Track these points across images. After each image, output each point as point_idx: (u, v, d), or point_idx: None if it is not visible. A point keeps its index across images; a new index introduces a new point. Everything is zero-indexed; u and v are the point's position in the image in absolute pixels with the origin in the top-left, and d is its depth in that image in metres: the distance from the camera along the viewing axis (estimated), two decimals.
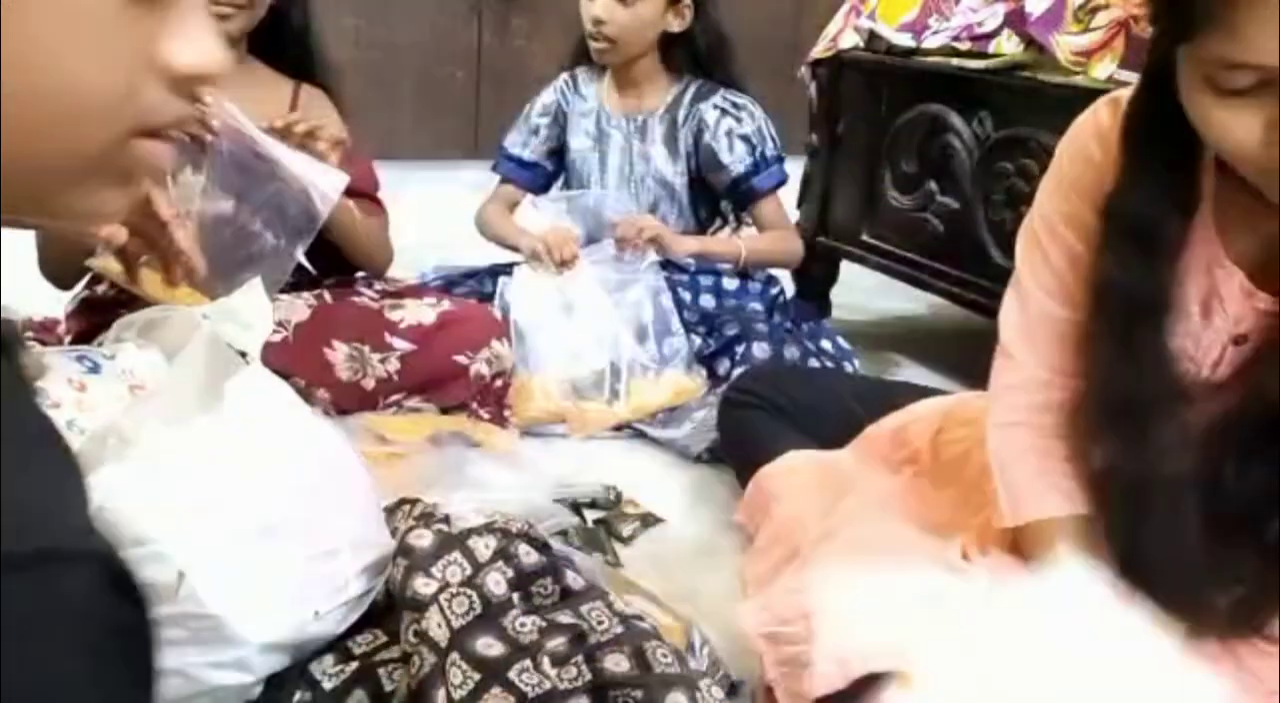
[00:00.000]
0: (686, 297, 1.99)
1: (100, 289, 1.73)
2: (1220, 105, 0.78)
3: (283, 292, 1.76)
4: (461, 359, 1.74)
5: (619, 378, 1.85)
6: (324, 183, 1.55)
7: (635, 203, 2.11)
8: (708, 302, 2.01)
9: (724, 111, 2.06)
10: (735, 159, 2.05)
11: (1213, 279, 0.94)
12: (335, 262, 1.81)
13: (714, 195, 2.16)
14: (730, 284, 2.06)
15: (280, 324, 1.62)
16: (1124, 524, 0.95)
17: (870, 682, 0.89)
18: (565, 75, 2.17)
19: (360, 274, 1.89)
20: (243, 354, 1.19)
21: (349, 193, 1.64)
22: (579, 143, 2.14)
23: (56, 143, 0.38)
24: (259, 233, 1.58)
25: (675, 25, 2.02)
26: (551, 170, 2.20)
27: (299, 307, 1.68)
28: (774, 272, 2.17)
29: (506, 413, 1.79)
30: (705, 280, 2.05)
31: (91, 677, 0.35)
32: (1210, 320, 0.95)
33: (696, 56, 2.07)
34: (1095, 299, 0.96)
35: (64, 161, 0.39)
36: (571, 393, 1.85)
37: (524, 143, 2.17)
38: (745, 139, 2.05)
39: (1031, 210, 1.05)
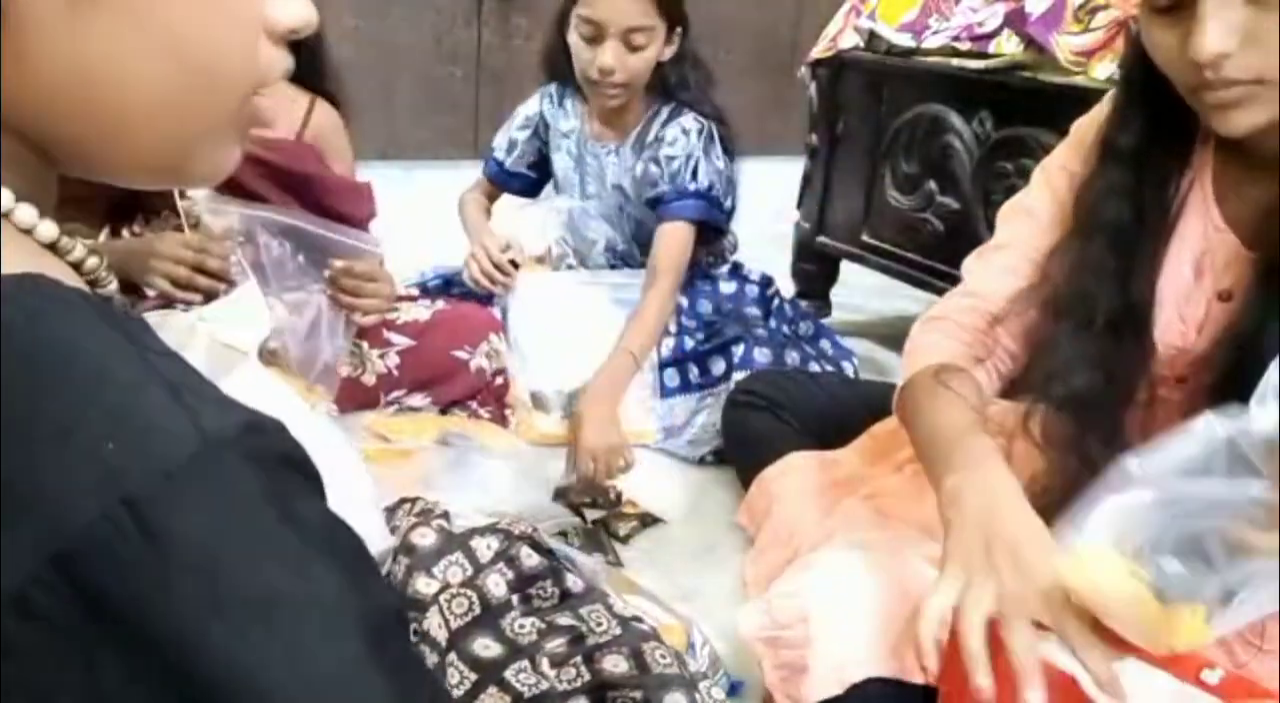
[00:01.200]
0: (684, 302, 1.97)
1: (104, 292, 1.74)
2: (1155, 23, 0.87)
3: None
4: (461, 354, 1.74)
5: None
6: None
7: (615, 226, 2.05)
8: (705, 307, 1.99)
9: (670, 133, 1.91)
10: (650, 180, 1.93)
11: (1207, 242, 0.98)
12: None
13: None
14: (727, 288, 2.04)
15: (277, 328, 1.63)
16: (1070, 438, 0.99)
17: (868, 687, 0.89)
18: (553, 86, 2.07)
19: None
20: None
21: (350, 222, 1.70)
22: (561, 161, 2.07)
23: (210, 108, 0.45)
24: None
25: (666, 54, 1.89)
26: (535, 178, 2.14)
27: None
28: (770, 272, 2.15)
29: (507, 412, 1.80)
30: (703, 286, 2.03)
31: (330, 514, 0.43)
32: (1201, 280, 0.99)
33: (669, 82, 1.93)
34: (1081, 214, 1.02)
35: (212, 123, 0.46)
36: (530, 399, 1.84)
37: (506, 150, 2.11)
38: (670, 160, 1.89)
39: None
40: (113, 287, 0.47)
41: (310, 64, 1.74)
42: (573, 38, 1.86)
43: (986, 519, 0.86)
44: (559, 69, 2.00)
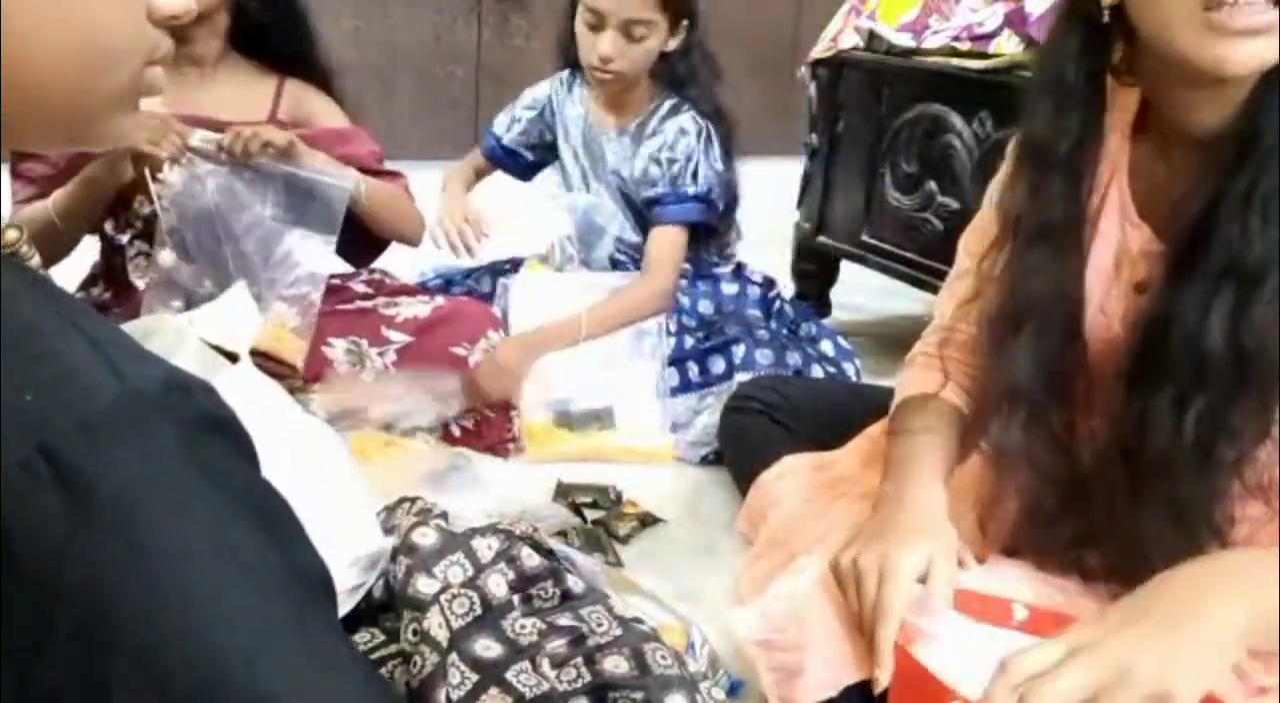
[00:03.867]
0: (685, 302, 1.97)
1: (95, 292, 1.73)
2: None
3: None
4: (459, 351, 1.74)
5: (608, 419, 1.81)
6: (334, 180, 1.63)
7: (621, 212, 2.06)
8: (705, 307, 1.99)
9: (669, 130, 1.93)
10: (649, 180, 1.94)
11: (1124, 236, 0.99)
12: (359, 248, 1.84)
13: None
14: (729, 289, 2.04)
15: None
16: (999, 430, 1.01)
17: (862, 689, 0.89)
18: (564, 73, 2.10)
19: (352, 271, 1.91)
20: (234, 357, 1.20)
21: (354, 164, 1.72)
22: (567, 149, 2.08)
23: (104, 78, 0.48)
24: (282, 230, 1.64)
25: (671, 44, 1.90)
26: (532, 161, 2.15)
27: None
28: (770, 272, 2.15)
29: (513, 414, 1.79)
30: (702, 286, 2.03)
31: (258, 478, 0.44)
32: (1120, 273, 1.00)
33: (676, 74, 1.96)
34: (1002, 216, 1.03)
35: (108, 92, 0.48)
36: (552, 416, 1.81)
37: (506, 127, 2.12)
38: (671, 162, 1.91)
39: None
40: (35, 260, 0.49)
41: (285, 55, 1.74)
42: (578, 25, 1.89)
43: (891, 514, 0.96)
44: (571, 56, 2.03)
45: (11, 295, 0.40)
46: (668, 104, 1.96)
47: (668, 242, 1.91)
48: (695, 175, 1.91)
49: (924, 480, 1.00)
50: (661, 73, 1.95)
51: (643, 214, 2.00)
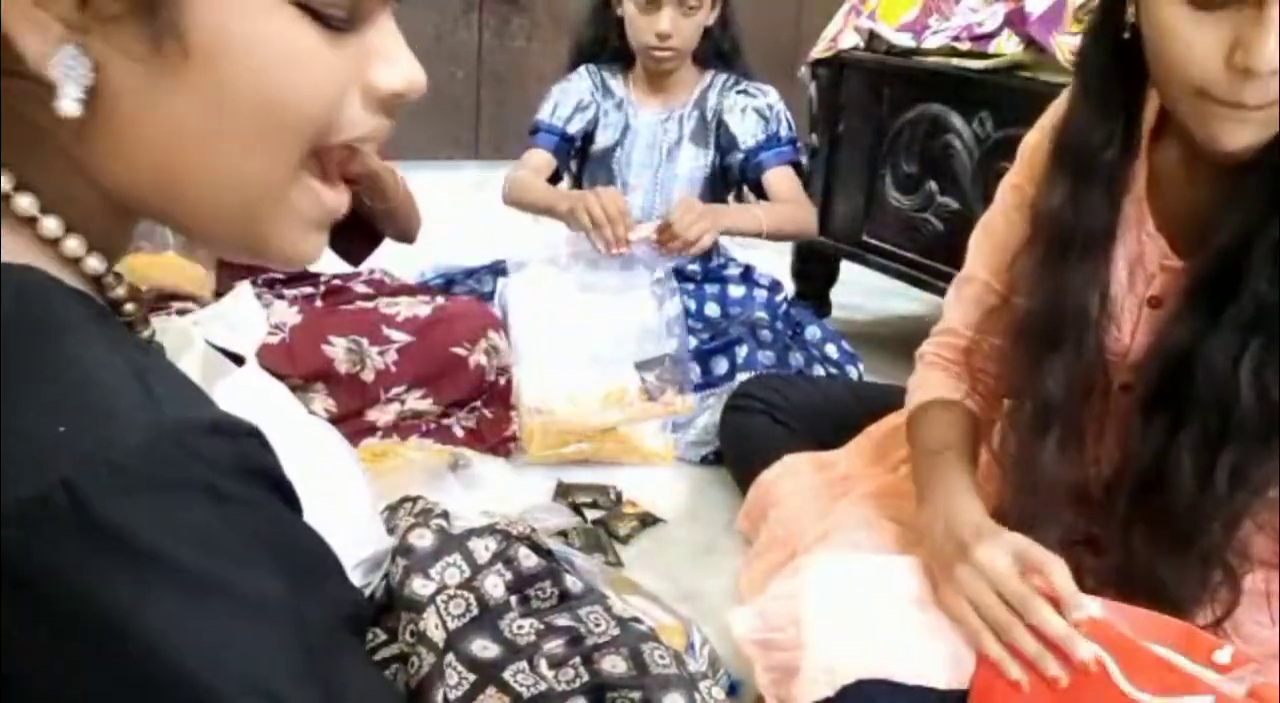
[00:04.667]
0: (691, 304, 1.97)
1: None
2: (1189, 18, 0.81)
3: (285, 284, 1.78)
4: (460, 351, 1.74)
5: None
6: None
7: (659, 201, 2.08)
8: (713, 310, 2.00)
9: (743, 93, 2.07)
10: (747, 132, 2.04)
11: (1140, 247, 0.98)
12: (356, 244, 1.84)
13: (739, 189, 2.15)
14: (736, 292, 2.04)
15: (276, 327, 1.63)
16: (1025, 443, 1.00)
17: (859, 689, 0.89)
18: (590, 68, 2.12)
19: (353, 271, 1.91)
20: (239, 359, 1.20)
21: None
22: (605, 138, 2.11)
23: (258, 163, 0.43)
24: None
25: (711, 19, 2.02)
26: (576, 150, 2.15)
27: (291, 312, 1.69)
28: (770, 272, 2.15)
29: (513, 414, 1.79)
30: (710, 288, 2.03)
31: (289, 520, 0.43)
32: (1134, 286, 0.98)
33: (721, 49, 2.07)
34: (1032, 223, 1.01)
35: (266, 180, 0.43)
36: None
37: (567, 117, 2.10)
38: (758, 112, 2.05)
39: None
40: (120, 291, 0.47)
41: None
42: (627, 8, 1.98)
43: (946, 544, 0.95)
44: (597, 51, 2.11)
45: (65, 321, 0.40)
46: (721, 78, 2.08)
47: (788, 179, 2.05)
48: (789, 125, 2.08)
49: (965, 503, 0.98)
50: (704, 49, 2.05)
51: (692, 188, 2.07)
